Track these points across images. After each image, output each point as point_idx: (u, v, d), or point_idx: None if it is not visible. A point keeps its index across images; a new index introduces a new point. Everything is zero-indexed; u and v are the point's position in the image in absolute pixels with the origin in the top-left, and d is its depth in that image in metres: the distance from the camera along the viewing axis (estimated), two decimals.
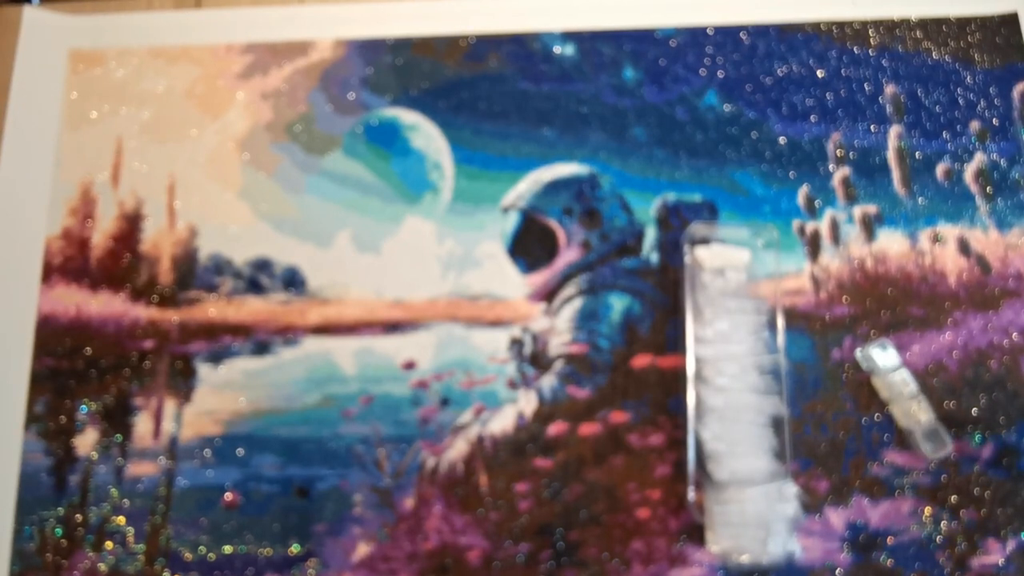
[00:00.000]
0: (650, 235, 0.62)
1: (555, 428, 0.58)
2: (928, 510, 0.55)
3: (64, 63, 0.68)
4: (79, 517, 0.58)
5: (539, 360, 0.60)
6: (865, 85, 0.65)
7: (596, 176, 0.64)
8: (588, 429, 0.58)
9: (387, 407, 0.59)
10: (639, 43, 0.67)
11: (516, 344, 0.60)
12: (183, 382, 0.60)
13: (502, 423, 0.58)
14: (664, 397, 0.58)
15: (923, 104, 0.64)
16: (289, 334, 0.61)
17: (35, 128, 0.66)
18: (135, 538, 0.57)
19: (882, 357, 0.58)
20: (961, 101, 0.65)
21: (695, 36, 0.67)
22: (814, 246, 0.62)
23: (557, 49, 0.67)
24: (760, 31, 0.67)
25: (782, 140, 0.64)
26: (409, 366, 0.60)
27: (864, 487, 0.56)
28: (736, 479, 0.53)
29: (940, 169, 0.63)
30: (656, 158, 0.64)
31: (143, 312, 0.62)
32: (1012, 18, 0.66)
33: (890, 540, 0.55)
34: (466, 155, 0.64)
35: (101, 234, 0.64)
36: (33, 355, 0.61)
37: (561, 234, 0.63)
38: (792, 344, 0.59)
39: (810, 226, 0.62)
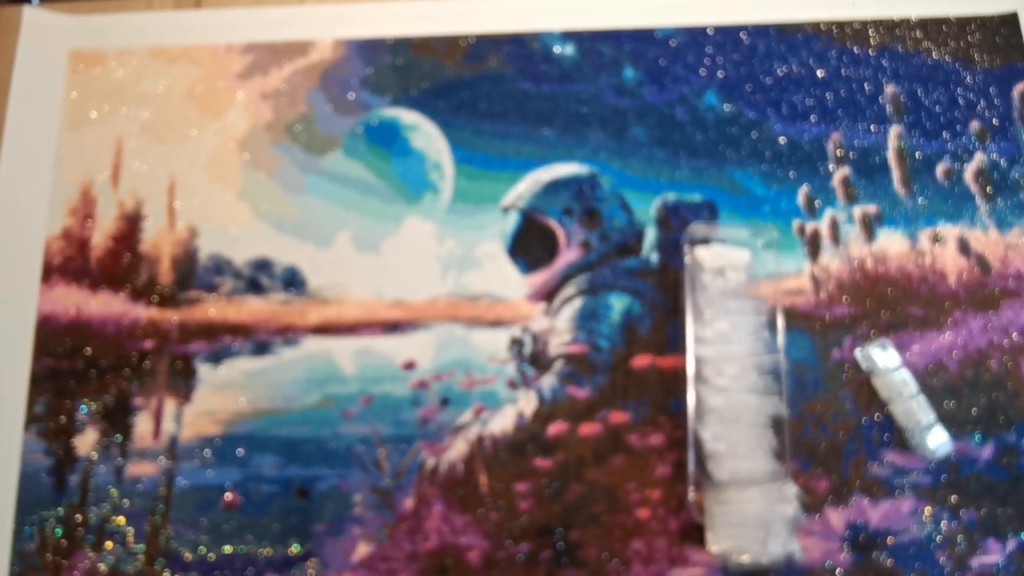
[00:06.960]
0: (650, 235, 0.62)
1: (555, 428, 0.58)
2: (928, 510, 0.55)
3: (64, 63, 0.68)
4: (79, 517, 0.58)
5: (539, 360, 0.60)
6: (865, 85, 0.65)
7: (596, 176, 0.64)
8: (588, 429, 0.58)
9: (387, 407, 0.59)
10: (639, 43, 0.67)
11: (516, 344, 0.60)
12: (183, 382, 0.60)
13: (502, 423, 0.58)
14: (664, 397, 0.58)
15: (923, 104, 0.64)
16: (289, 334, 0.61)
17: (35, 128, 0.66)
18: (135, 538, 0.57)
19: (882, 357, 0.58)
20: (961, 101, 0.64)
21: (695, 36, 0.67)
22: (814, 246, 0.62)
23: (557, 49, 0.67)
24: (760, 31, 0.67)
25: (782, 140, 0.64)
26: (409, 366, 0.60)
27: (864, 487, 0.56)
28: (736, 479, 0.53)
29: (940, 169, 0.63)
30: (656, 158, 0.64)
31: (143, 312, 0.62)
32: (1012, 18, 0.66)
33: (890, 540, 0.55)
34: (466, 155, 0.64)
35: (101, 234, 0.64)
36: (33, 355, 0.61)
37: (561, 234, 0.63)
38: (792, 344, 0.59)
39: (810, 226, 0.62)
